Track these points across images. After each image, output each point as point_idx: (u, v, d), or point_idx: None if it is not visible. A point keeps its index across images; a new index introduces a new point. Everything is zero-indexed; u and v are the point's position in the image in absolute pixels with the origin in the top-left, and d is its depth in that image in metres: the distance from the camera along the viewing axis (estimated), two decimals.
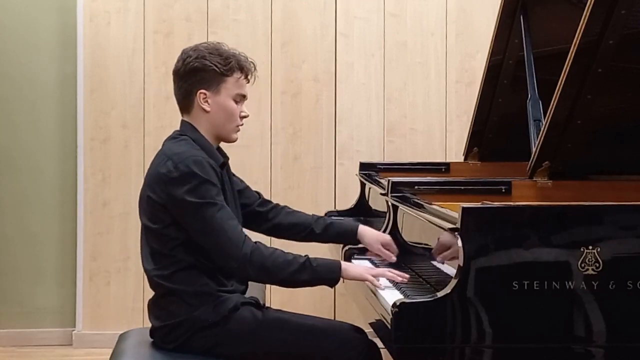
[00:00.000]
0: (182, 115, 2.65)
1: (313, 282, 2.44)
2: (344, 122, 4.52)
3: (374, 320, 2.37)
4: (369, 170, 3.94)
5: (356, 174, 4.01)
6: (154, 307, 2.55)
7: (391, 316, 2.05)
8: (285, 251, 2.46)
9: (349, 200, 4.16)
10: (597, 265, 2.05)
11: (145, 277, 2.59)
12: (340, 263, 2.47)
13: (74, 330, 4.51)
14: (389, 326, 2.08)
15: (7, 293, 4.54)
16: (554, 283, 2.04)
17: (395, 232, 2.89)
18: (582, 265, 2.05)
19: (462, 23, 4.64)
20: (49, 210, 4.55)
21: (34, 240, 4.55)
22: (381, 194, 3.13)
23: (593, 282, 2.05)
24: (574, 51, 2.52)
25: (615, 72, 2.57)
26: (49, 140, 4.55)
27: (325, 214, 3.94)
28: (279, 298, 4.27)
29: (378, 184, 3.50)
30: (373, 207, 3.66)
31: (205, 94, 2.56)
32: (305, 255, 2.44)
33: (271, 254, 2.40)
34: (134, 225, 4.49)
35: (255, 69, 2.65)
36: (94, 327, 4.49)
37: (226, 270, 2.45)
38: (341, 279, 2.48)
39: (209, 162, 2.48)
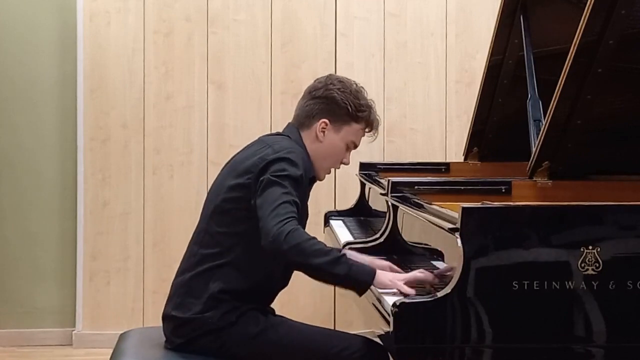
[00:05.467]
0: (294, 124, 2.65)
1: (344, 278, 2.33)
2: None
3: (374, 321, 2.37)
4: (369, 170, 3.94)
5: (356, 174, 4.02)
6: (175, 292, 2.53)
7: (391, 316, 2.05)
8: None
9: (349, 200, 4.16)
10: (597, 265, 2.05)
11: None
12: (375, 270, 2.35)
13: (74, 330, 4.51)
14: (389, 326, 2.08)
15: (7, 293, 4.54)
16: (554, 283, 2.04)
17: (395, 232, 2.89)
18: (582, 265, 2.05)
19: (462, 23, 4.64)
20: (49, 210, 4.55)
21: (34, 240, 4.55)
22: (381, 194, 3.13)
23: (593, 282, 2.05)
24: (574, 51, 2.52)
25: (615, 72, 2.57)
26: (49, 140, 4.55)
27: (326, 214, 3.94)
28: (279, 298, 4.26)
29: (378, 184, 3.50)
30: (373, 207, 3.66)
31: (326, 124, 2.58)
32: (343, 252, 2.39)
33: (310, 239, 2.31)
34: (134, 225, 4.50)
35: (377, 127, 2.67)
36: (94, 327, 4.49)
37: (264, 247, 2.35)
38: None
39: (305, 165, 2.49)
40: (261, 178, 2.42)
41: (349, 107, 2.57)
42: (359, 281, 2.33)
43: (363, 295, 2.49)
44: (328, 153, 2.61)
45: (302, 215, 2.53)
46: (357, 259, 2.52)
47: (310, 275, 2.41)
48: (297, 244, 2.28)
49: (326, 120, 2.58)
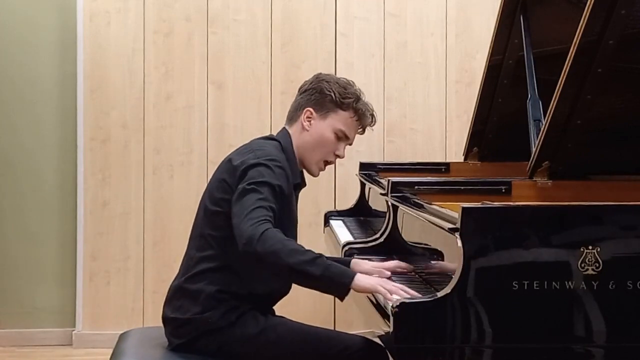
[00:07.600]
0: (285, 124, 2.67)
1: (321, 280, 2.24)
2: None
3: (374, 321, 2.37)
4: (369, 170, 3.94)
5: (356, 174, 4.01)
6: (172, 295, 2.54)
7: (391, 316, 2.05)
8: None
9: (349, 200, 4.16)
10: (597, 265, 2.05)
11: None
12: (355, 273, 2.28)
13: (74, 330, 4.51)
14: (389, 326, 2.08)
15: (7, 293, 4.54)
16: (554, 283, 2.04)
17: (395, 232, 2.89)
18: (582, 265, 2.05)
19: (462, 23, 4.64)
20: (49, 210, 4.55)
21: (34, 240, 4.55)
22: (381, 194, 3.13)
23: (593, 282, 2.05)
24: (574, 51, 2.52)
25: (615, 72, 2.57)
26: (49, 140, 4.55)
27: (325, 214, 3.94)
28: None
29: (378, 184, 3.50)
30: (373, 207, 3.66)
31: (311, 112, 2.60)
32: (320, 254, 2.31)
33: (285, 239, 2.26)
34: (134, 225, 4.50)
35: (373, 122, 2.66)
36: (94, 327, 4.49)
37: (240, 250, 2.30)
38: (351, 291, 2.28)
39: (287, 172, 2.49)
40: (239, 185, 2.41)
41: (333, 94, 2.58)
42: (336, 283, 2.25)
43: (364, 295, 2.49)
44: (314, 142, 2.60)
45: (289, 223, 2.52)
46: (361, 266, 2.51)
47: (288, 279, 2.40)
48: (271, 245, 2.23)
49: (310, 109, 2.60)
